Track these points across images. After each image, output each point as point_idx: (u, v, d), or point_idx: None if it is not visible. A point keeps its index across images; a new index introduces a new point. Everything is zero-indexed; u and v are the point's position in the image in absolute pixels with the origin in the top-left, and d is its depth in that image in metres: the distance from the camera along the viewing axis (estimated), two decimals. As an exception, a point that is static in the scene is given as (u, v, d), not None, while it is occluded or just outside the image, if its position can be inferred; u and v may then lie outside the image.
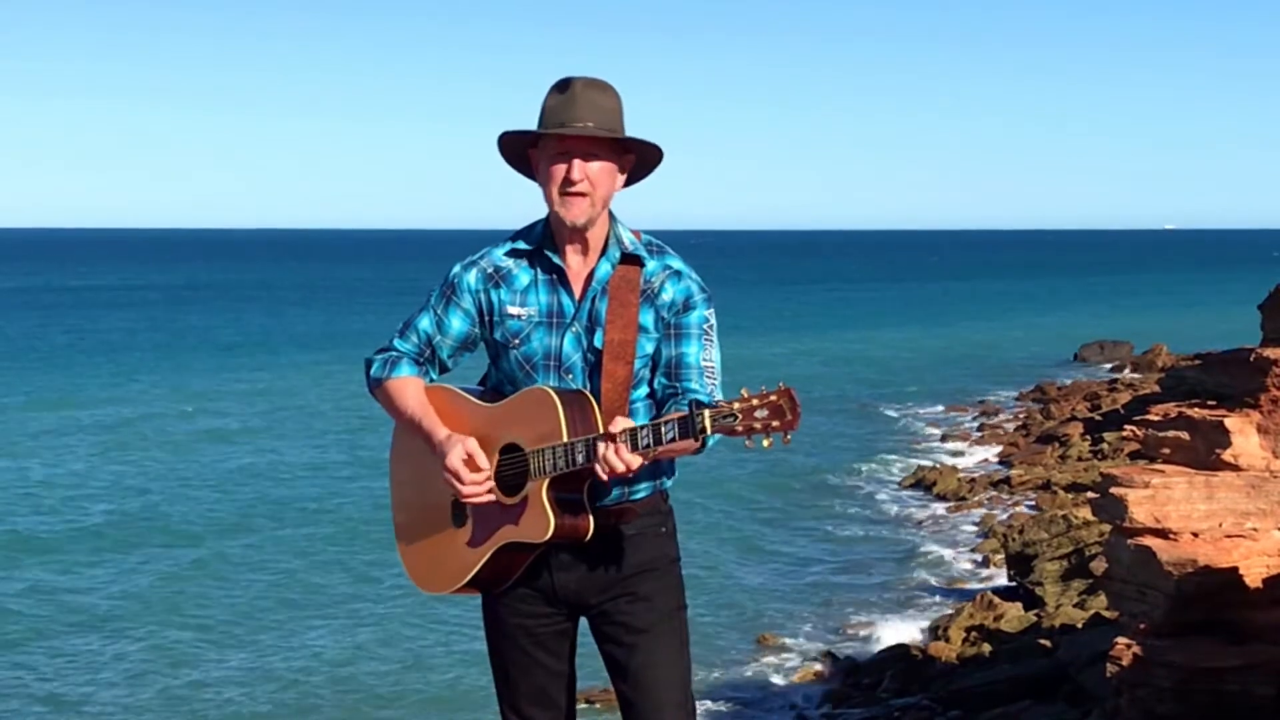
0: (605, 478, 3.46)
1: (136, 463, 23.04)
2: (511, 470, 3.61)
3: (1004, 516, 17.99)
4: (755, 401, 3.33)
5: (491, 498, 3.63)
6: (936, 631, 12.73)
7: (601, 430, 3.50)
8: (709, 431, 3.35)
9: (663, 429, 3.39)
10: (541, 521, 3.56)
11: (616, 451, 3.41)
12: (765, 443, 3.33)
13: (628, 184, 3.76)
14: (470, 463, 3.62)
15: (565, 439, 3.52)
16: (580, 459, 3.49)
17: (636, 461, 3.42)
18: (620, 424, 3.43)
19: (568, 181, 3.62)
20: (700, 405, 3.40)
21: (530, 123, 3.69)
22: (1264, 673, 7.40)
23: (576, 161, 3.61)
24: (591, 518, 3.61)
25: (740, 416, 3.33)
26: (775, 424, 3.32)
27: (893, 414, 29.34)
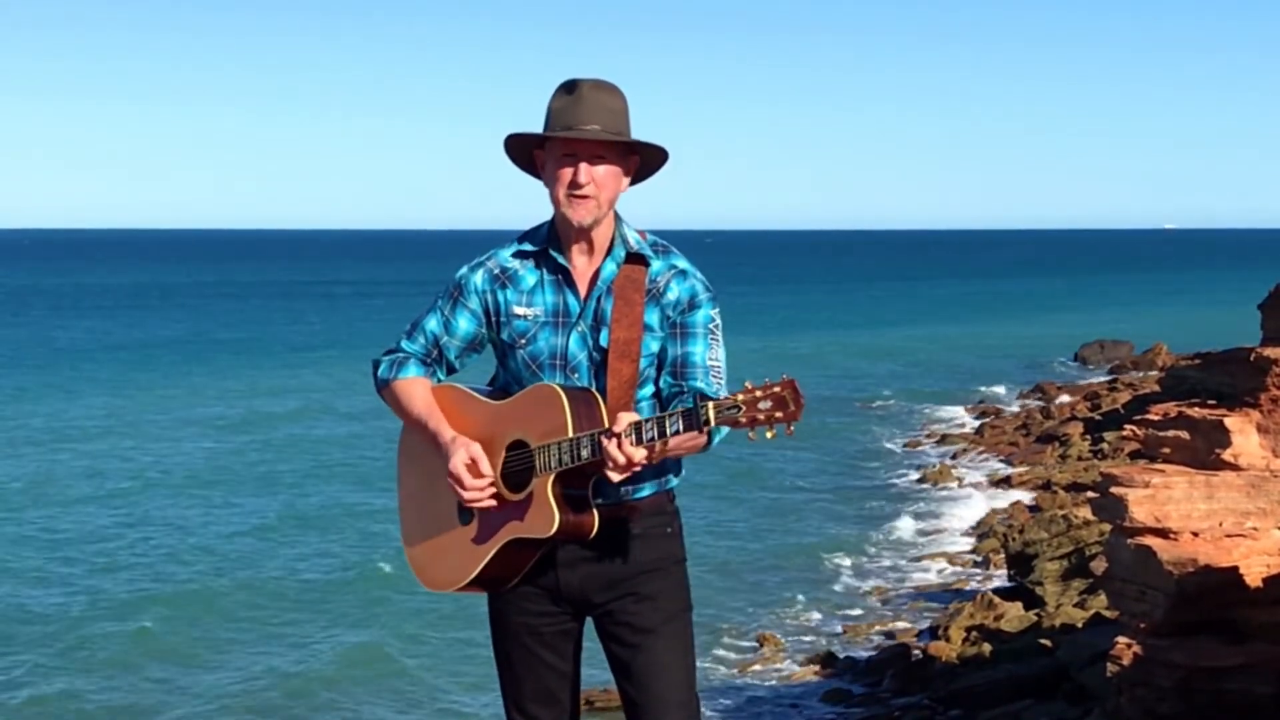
0: (613, 477, 3.47)
1: (146, 462, 23.02)
2: (518, 466, 3.63)
3: (1004, 516, 17.98)
4: (759, 393, 3.35)
5: (493, 503, 3.65)
6: (936, 631, 12.73)
7: (607, 426, 3.52)
8: (713, 423, 3.37)
9: (667, 422, 3.41)
10: (546, 517, 3.57)
11: (620, 445, 3.42)
12: (769, 434, 3.35)
13: (632, 183, 3.78)
14: (473, 467, 3.64)
15: (571, 434, 3.53)
16: (585, 454, 3.51)
17: (641, 455, 3.43)
18: (625, 419, 3.45)
19: (574, 184, 3.64)
20: (704, 397, 3.43)
21: (533, 121, 3.70)
22: (1264, 672, 7.41)
23: (583, 165, 3.63)
24: (596, 514, 3.62)
25: (744, 408, 3.35)
26: (778, 415, 3.33)
27: (892, 413, 29.34)
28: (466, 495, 3.64)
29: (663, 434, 3.42)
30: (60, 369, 37.67)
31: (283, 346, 44.96)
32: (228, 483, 21.41)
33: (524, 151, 3.76)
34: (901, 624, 13.66)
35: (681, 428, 3.39)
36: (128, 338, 48.48)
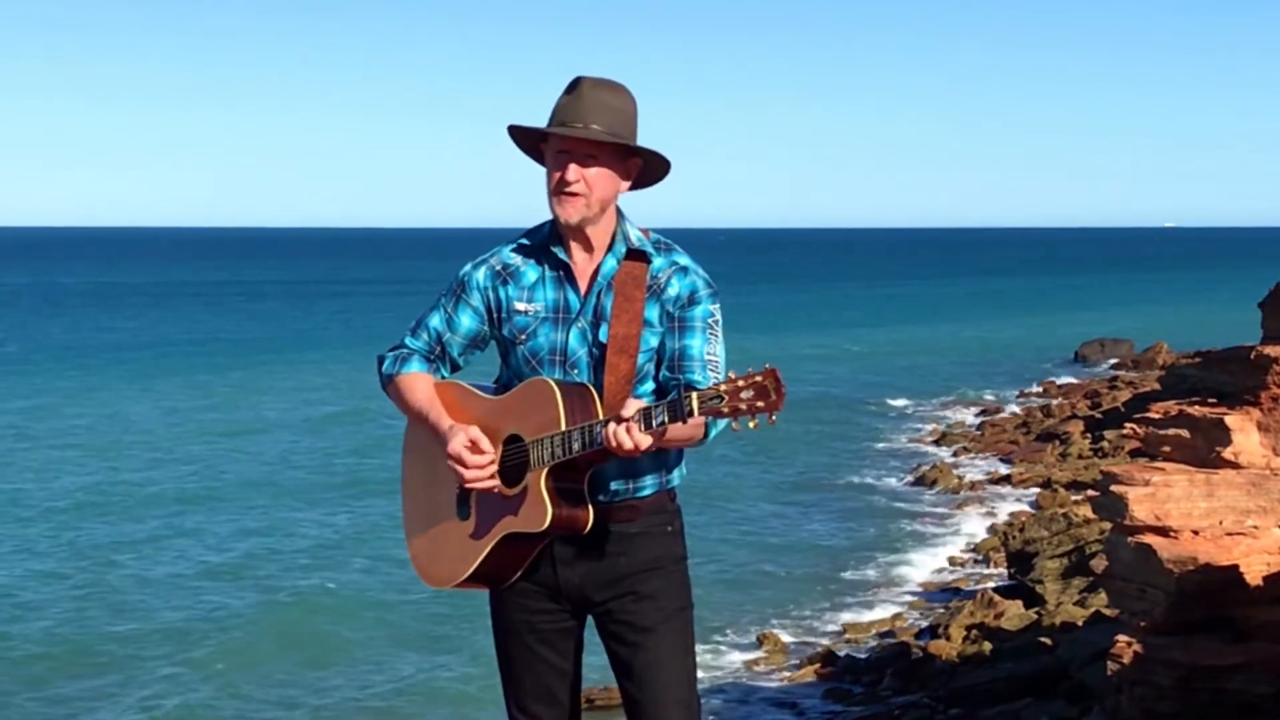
0: (615, 449, 3.45)
1: (155, 461, 23.03)
2: (513, 461, 3.64)
3: (1004, 514, 17.99)
4: (741, 383, 3.36)
5: (495, 483, 3.65)
6: (937, 630, 12.72)
7: (601, 419, 3.53)
8: (696, 414, 3.38)
9: (653, 413, 3.43)
10: (539, 511, 3.58)
11: (629, 430, 3.42)
12: (751, 424, 3.37)
13: (636, 187, 3.77)
14: (474, 447, 3.64)
15: (563, 428, 3.54)
16: (576, 447, 3.51)
17: (646, 441, 3.44)
18: (633, 405, 3.46)
19: (563, 182, 3.64)
20: (689, 388, 3.45)
21: (539, 118, 3.72)
22: (1264, 671, 7.41)
23: (573, 164, 3.63)
24: (591, 509, 3.63)
25: (726, 398, 3.36)
26: (760, 404, 3.34)
27: (893, 412, 29.35)
28: (468, 474, 3.64)
29: (649, 425, 3.43)
30: (110, 368, 37.45)
31: (313, 344, 44.82)
32: (305, 484, 21.09)
33: (533, 146, 3.78)
34: (901, 623, 13.66)
35: (667, 419, 3.41)
36: (162, 335, 48.52)
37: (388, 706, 11.78)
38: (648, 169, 3.76)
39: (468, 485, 3.67)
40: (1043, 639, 11.16)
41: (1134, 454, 16.90)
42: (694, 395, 3.37)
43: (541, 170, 3.77)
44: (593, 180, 3.65)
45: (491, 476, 3.64)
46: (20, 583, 15.39)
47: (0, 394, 31.35)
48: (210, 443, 24.81)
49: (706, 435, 3.58)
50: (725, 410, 3.35)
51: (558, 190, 3.65)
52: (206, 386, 33.33)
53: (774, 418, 3.35)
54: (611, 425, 3.44)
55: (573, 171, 3.63)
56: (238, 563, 16.30)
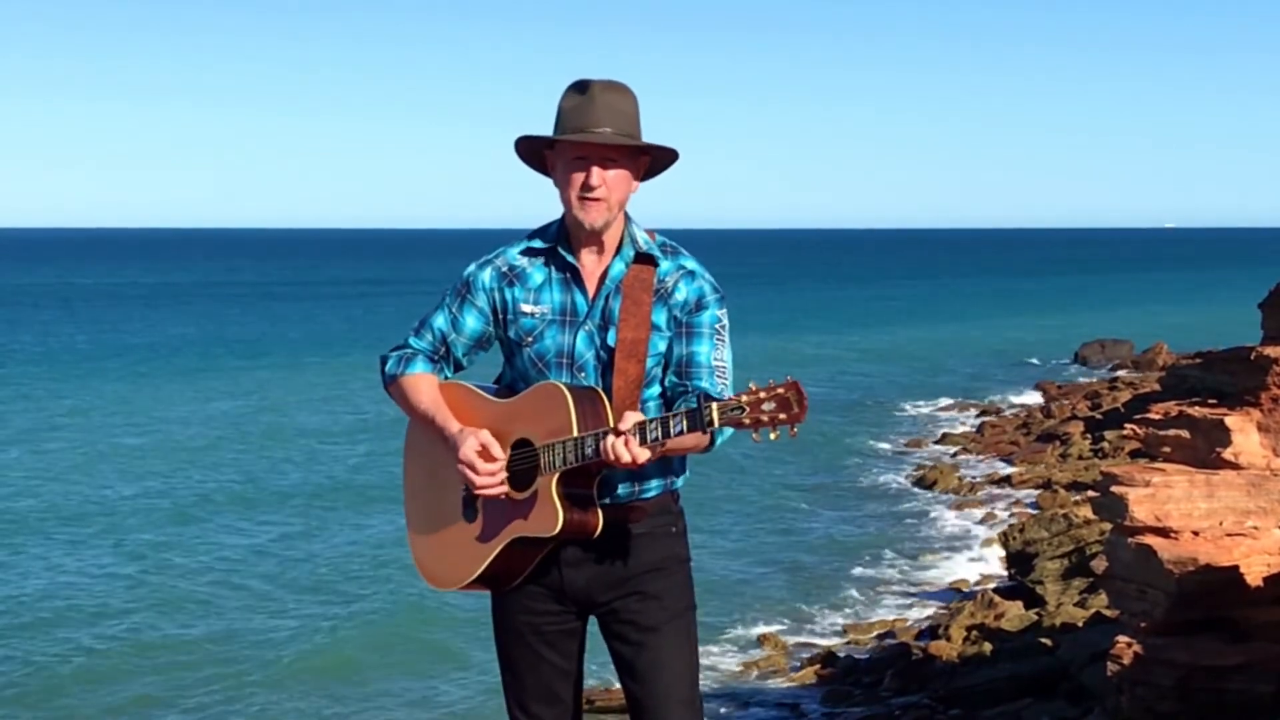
0: (614, 462, 3.46)
1: (161, 464, 23.02)
2: (522, 465, 3.64)
3: (1005, 515, 18.00)
4: (762, 395, 3.35)
5: (505, 489, 3.65)
6: (937, 630, 12.73)
7: (612, 426, 3.52)
8: (716, 425, 3.37)
9: (671, 422, 3.42)
10: (550, 516, 3.58)
11: (626, 444, 3.43)
12: (772, 435, 3.35)
13: (641, 181, 3.79)
14: (485, 453, 3.64)
15: (576, 434, 3.54)
16: (589, 453, 3.51)
17: (645, 455, 3.44)
18: (630, 419, 3.46)
19: (586, 187, 3.64)
20: (708, 398, 3.43)
21: (537, 118, 3.71)
22: (1265, 671, 7.43)
23: (595, 168, 3.64)
24: (600, 514, 3.63)
25: (748, 409, 3.35)
26: (782, 417, 3.34)
27: (893, 412, 29.35)
28: (478, 481, 3.63)
29: (667, 434, 3.43)
30: (127, 369, 37.36)
31: (343, 343, 44.70)
32: (334, 488, 20.94)
33: (534, 152, 3.76)
34: (902, 623, 13.67)
35: (685, 428, 3.40)
36: (177, 336, 48.52)
37: (381, 701, 11.76)
38: (653, 164, 3.78)
39: (478, 493, 3.67)
40: (1043, 639, 11.16)
41: (1134, 455, 16.92)
42: (714, 406, 3.36)
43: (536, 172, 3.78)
44: (613, 183, 3.66)
45: (501, 484, 3.64)
46: (63, 585, 15.36)
47: (23, 396, 31.37)
48: (240, 445, 24.77)
49: (713, 443, 3.58)
50: (746, 422, 3.34)
51: (581, 196, 3.65)
52: (225, 388, 33.30)
53: (795, 430, 3.35)
54: (610, 438, 3.44)
55: (595, 175, 3.63)
56: (280, 570, 16.21)
